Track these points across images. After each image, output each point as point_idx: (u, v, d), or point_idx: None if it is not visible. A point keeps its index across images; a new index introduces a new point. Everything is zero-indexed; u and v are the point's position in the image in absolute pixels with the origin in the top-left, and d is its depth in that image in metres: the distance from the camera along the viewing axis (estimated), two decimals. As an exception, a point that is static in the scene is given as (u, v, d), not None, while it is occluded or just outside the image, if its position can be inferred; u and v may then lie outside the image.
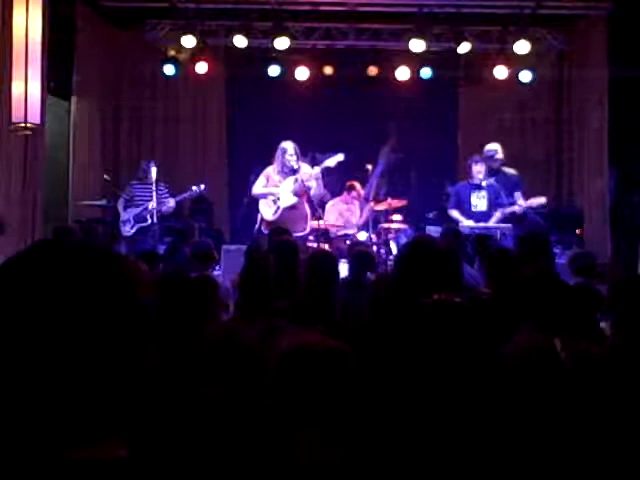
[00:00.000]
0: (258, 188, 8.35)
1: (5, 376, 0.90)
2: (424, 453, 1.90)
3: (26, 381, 0.90)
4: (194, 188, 8.46)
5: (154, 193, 8.19)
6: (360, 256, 5.45)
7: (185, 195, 8.54)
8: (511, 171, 8.81)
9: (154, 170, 8.26)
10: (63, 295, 0.91)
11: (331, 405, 1.74)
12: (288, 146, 8.10)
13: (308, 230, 8.18)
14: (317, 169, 8.20)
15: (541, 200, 8.40)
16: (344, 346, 1.84)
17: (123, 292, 0.95)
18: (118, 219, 8.53)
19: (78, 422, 0.91)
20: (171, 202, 8.38)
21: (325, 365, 1.76)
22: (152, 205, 8.24)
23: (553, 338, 2.64)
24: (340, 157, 8.25)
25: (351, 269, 5.39)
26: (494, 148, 8.70)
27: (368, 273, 5.22)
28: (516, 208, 8.24)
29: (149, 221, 8.31)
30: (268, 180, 8.28)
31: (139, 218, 8.35)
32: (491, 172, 8.54)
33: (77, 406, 0.91)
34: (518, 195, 8.51)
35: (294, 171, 8.11)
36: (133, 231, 8.37)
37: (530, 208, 8.39)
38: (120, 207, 8.51)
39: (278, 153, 8.14)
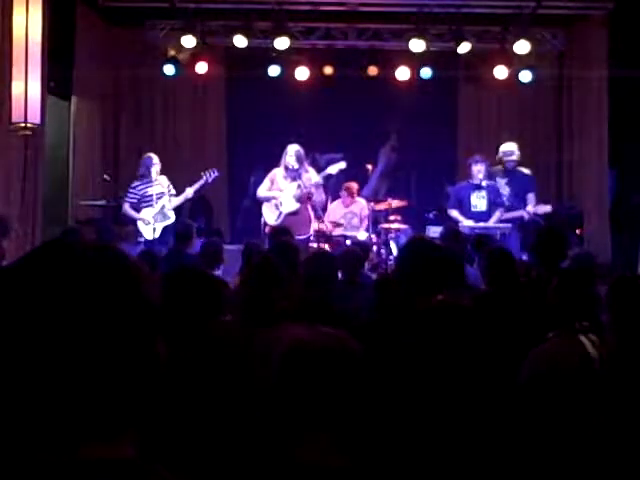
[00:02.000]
0: (262, 191, 8.36)
1: (17, 375, 0.90)
2: (428, 455, 1.90)
3: (37, 380, 0.90)
4: (208, 173, 8.26)
5: (158, 187, 8.14)
6: (348, 256, 5.47)
7: (201, 182, 8.30)
8: (526, 171, 8.77)
9: (154, 170, 8.22)
10: (72, 295, 0.92)
11: (338, 405, 1.72)
12: (290, 149, 8.15)
13: (311, 232, 8.20)
14: (318, 178, 8.22)
15: (546, 208, 8.41)
16: (352, 342, 1.82)
17: (132, 290, 0.96)
18: (129, 221, 8.33)
19: (90, 421, 0.92)
20: (189, 191, 8.22)
21: (330, 363, 1.74)
22: (166, 202, 8.17)
23: (581, 338, 2.65)
24: (342, 165, 8.28)
25: (342, 269, 5.39)
26: (511, 148, 8.64)
27: (368, 272, 5.23)
28: (524, 214, 8.24)
29: (172, 217, 8.21)
30: (273, 183, 8.30)
31: (160, 217, 8.18)
32: (507, 172, 8.54)
33: (89, 405, 0.91)
34: (531, 197, 8.48)
35: (296, 172, 8.12)
36: (158, 232, 8.11)
37: (535, 214, 8.39)
38: (130, 211, 8.27)
39: (282, 155, 8.20)
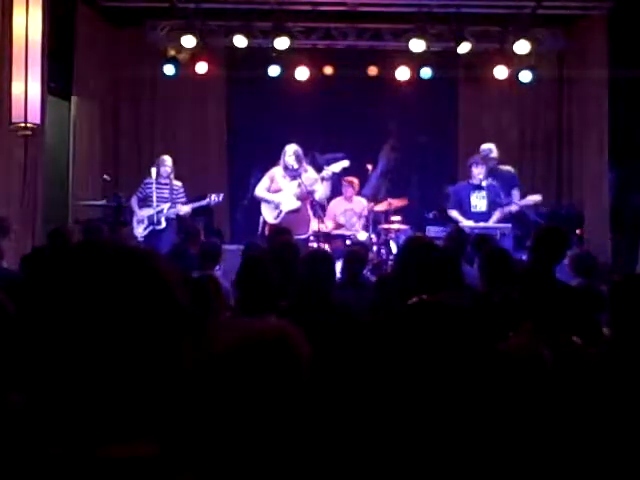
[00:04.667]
0: (261, 190, 8.35)
1: (42, 375, 0.91)
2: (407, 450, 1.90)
3: (62, 380, 0.91)
4: (213, 197, 8.35)
5: (165, 191, 8.19)
6: (351, 256, 5.49)
7: (202, 203, 8.44)
8: (506, 168, 8.84)
9: (154, 171, 8.26)
10: (103, 297, 0.92)
11: (281, 394, 1.71)
12: (288, 148, 8.15)
13: (310, 232, 8.20)
14: (328, 171, 8.21)
15: (536, 198, 8.45)
16: (295, 338, 1.80)
17: (161, 291, 0.96)
18: (131, 218, 8.47)
19: (114, 421, 0.92)
20: (186, 208, 8.35)
21: (262, 353, 1.73)
22: (165, 208, 8.24)
23: (544, 340, 2.64)
24: (345, 163, 8.29)
25: (343, 269, 5.41)
26: (488, 147, 8.72)
27: (368, 273, 5.23)
28: (512, 208, 8.30)
29: (163, 224, 8.29)
30: (272, 182, 8.29)
31: (153, 220, 8.29)
32: (488, 172, 8.57)
33: (115, 404, 0.92)
34: (515, 193, 8.56)
35: (296, 172, 8.12)
36: (146, 233, 8.31)
37: (529, 207, 8.45)
38: (134, 206, 8.45)
39: (281, 155, 8.20)
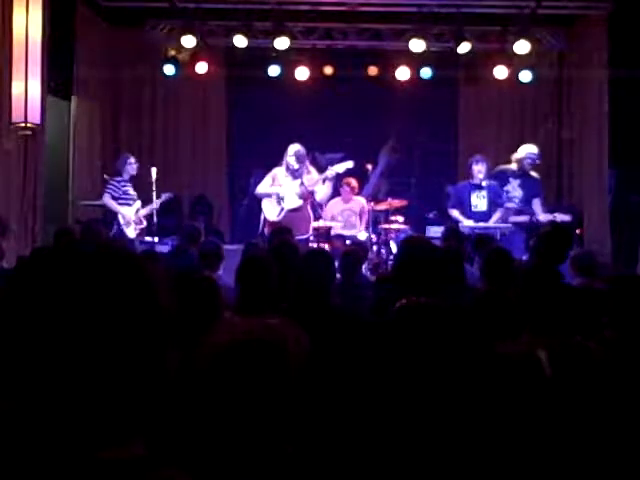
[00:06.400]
0: (263, 188, 8.36)
1: (39, 381, 0.91)
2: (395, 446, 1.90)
3: (57, 385, 0.91)
4: (162, 196, 8.27)
5: (132, 192, 8.18)
6: (346, 257, 5.48)
7: (162, 200, 8.27)
8: (536, 175, 8.64)
9: (154, 170, 8.22)
10: (84, 300, 0.92)
11: (269, 395, 1.72)
12: (290, 148, 8.16)
13: (310, 232, 8.20)
14: (332, 171, 8.20)
15: (565, 217, 8.16)
16: (290, 334, 1.82)
17: (148, 296, 0.96)
18: (114, 217, 8.25)
19: (106, 424, 0.93)
20: (145, 210, 8.27)
21: (253, 357, 1.73)
22: (139, 205, 8.21)
23: (544, 341, 2.63)
24: (349, 164, 8.26)
25: (340, 270, 5.39)
26: (536, 151, 8.50)
27: (368, 272, 5.22)
28: (541, 217, 8.02)
29: (144, 223, 8.27)
30: (274, 181, 8.30)
31: (137, 220, 8.22)
32: (518, 173, 8.45)
33: (104, 409, 0.93)
34: (537, 202, 8.36)
35: (297, 172, 8.12)
36: (137, 232, 8.22)
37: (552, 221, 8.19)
38: (112, 202, 8.19)
39: (284, 155, 8.21)
